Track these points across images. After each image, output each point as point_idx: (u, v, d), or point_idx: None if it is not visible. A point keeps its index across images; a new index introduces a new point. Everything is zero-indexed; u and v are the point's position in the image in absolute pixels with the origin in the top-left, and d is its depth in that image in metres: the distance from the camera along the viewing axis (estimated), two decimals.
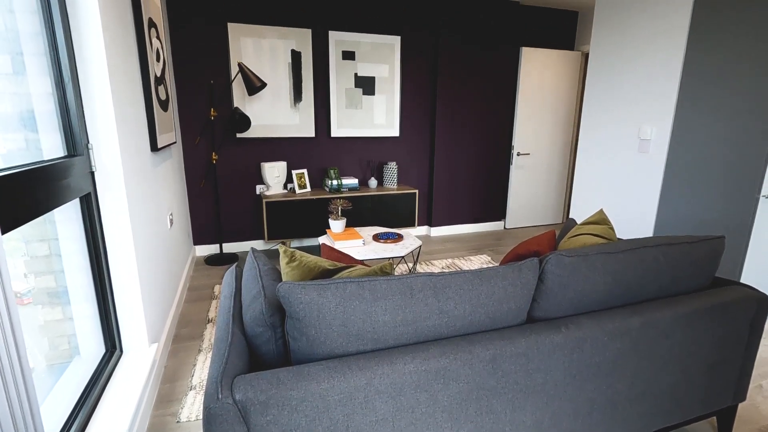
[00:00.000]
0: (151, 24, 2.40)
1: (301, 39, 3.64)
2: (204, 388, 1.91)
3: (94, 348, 1.70)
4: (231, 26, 3.43)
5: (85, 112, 1.60)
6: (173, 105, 3.18)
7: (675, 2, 2.65)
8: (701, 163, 2.58)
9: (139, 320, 1.84)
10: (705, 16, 2.49)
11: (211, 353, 2.20)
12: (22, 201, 1.12)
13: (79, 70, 1.57)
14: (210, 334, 2.42)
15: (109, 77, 1.61)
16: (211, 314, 2.66)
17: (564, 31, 4.63)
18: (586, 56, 4.66)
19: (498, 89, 4.39)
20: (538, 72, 4.49)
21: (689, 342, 1.37)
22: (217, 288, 3.06)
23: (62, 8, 1.47)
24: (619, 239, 1.52)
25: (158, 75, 2.49)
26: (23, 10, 1.34)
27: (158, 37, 2.58)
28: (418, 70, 4.14)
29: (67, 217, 1.56)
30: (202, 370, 2.07)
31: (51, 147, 1.46)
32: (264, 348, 1.06)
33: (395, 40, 3.94)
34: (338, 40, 3.77)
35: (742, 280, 2.45)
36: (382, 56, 3.94)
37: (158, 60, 2.53)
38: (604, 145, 3.23)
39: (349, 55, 3.84)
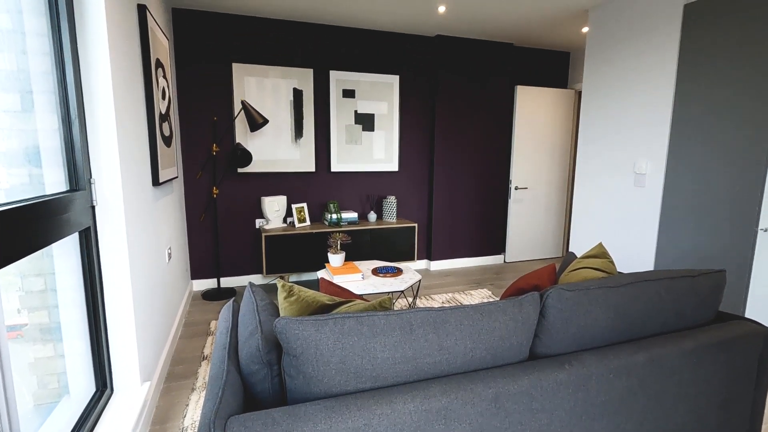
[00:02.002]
0: (159, 64, 2.48)
1: (303, 78, 3.77)
2: (196, 430, 1.83)
3: (84, 387, 1.64)
4: (235, 66, 3.55)
5: (89, 148, 1.63)
6: (176, 140, 3.24)
7: (663, 35, 2.76)
8: (698, 196, 2.60)
9: (132, 358, 1.79)
10: (693, 47, 2.58)
11: (204, 392, 2.12)
12: (22, 235, 1.12)
13: (86, 108, 1.61)
14: (204, 372, 2.35)
15: (115, 115, 1.66)
16: (207, 351, 2.60)
17: (557, 70, 4.79)
18: (579, 94, 4.81)
19: (494, 125, 4.50)
20: (533, 109, 4.62)
21: (697, 379, 1.33)
22: (213, 324, 3.00)
23: (73, 49, 1.53)
24: (619, 273, 1.51)
25: (163, 112, 2.55)
26: (36, 51, 1.40)
27: (165, 76, 2.67)
28: (416, 108, 4.26)
29: (65, 251, 1.56)
30: (194, 410, 2.00)
31: (54, 182, 1.48)
32: (260, 386, 1.03)
33: (394, 79, 4.08)
34: (339, 79, 3.90)
35: (747, 315, 2.41)
36: (381, 94, 4.06)
37: (164, 98, 2.60)
38: (601, 179, 3.27)
39: (349, 93, 3.96)
